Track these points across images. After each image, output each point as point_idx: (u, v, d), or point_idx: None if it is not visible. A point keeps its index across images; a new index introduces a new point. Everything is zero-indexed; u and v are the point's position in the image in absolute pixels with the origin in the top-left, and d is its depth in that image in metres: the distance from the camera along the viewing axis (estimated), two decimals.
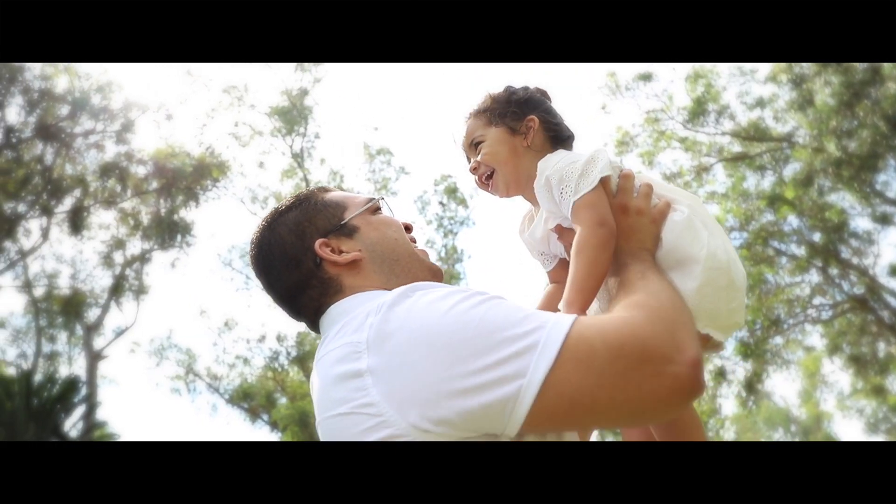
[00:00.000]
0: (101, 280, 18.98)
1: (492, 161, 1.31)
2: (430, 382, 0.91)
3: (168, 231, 18.26)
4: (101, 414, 15.61)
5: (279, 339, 18.92)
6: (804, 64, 13.94)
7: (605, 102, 16.65)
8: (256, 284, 1.46)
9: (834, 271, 16.03)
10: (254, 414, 19.68)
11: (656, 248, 1.16)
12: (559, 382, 0.89)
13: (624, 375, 0.89)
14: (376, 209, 1.26)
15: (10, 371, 16.48)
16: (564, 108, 1.40)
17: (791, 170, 16.04)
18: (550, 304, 1.33)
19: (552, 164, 1.25)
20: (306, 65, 18.41)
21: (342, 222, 1.20)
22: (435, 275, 1.22)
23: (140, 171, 18.18)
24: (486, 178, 1.33)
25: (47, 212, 17.36)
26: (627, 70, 16.38)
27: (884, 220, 15.52)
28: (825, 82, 14.69)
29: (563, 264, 1.34)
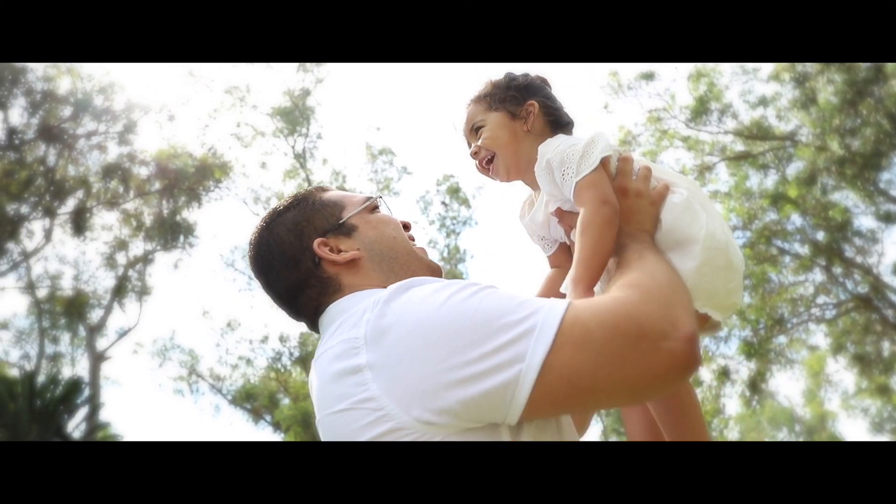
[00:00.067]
0: (104, 281, 19.02)
1: (492, 145, 1.33)
2: (429, 374, 0.92)
3: (171, 232, 18.27)
4: (104, 415, 15.58)
5: (282, 339, 18.94)
6: (806, 63, 13.92)
7: (607, 102, 16.64)
8: (259, 285, 1.47)
9: (838, 270, 15.98)
10: (257, 415, 19.69)
11: (655, 230, 1.18)
12: (558, 365, 0.90)
13: (621, 354, 0.90)
14: (374, 208, 1.26)
15: (14, 372, 16.51)
16: (566, 107, 1.41)
17: (794, 168, 16.01)
18: (552, 289, 1.34)
19: (553, 147, 1.26)
20: (308, 65, 18.41)
21: (340, 221, 1.21)
22: (434, 272, 1.22)
23: (142, 172, 18.22)
24: (487, 163, 1.35)
25: (50, 213, 17.38)
26: (629, 69, 16.37)
27: (887, 218, 15.47)
28: (828, 80, 14.65)
29: (564, 249, 1.37)
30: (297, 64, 18.18)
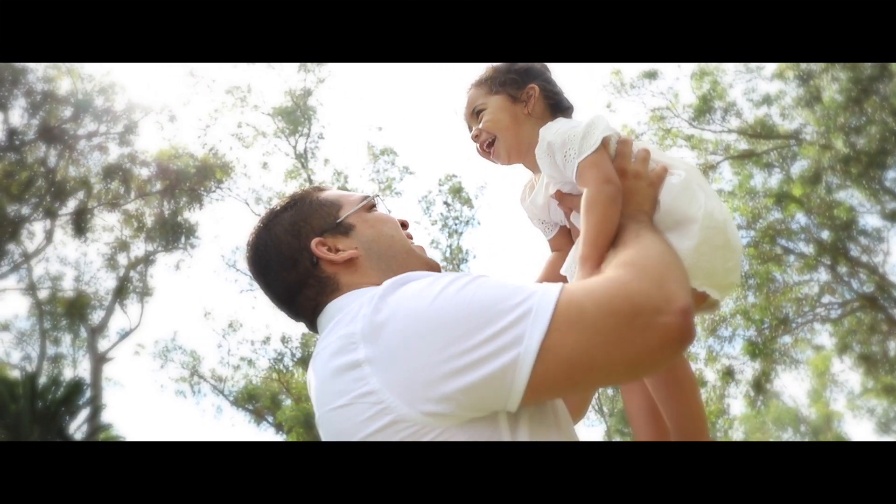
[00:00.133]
0: (106, 282, 19.02)
1: (493, 128, 1.34)
2: (428, 365, 0.93)
3: (172, 233, 18.27)
4: (105, 416, 15.57)
5: (284, 340, 18.91)
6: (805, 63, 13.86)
7: (610, 101, 16.59)
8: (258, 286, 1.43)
9: (843, 269, 15.91)
10: (259, 416, 19.66)
11: (654, 211, 1.19)
12: (555, 346, 0.91)
13: (616, 331, 0.91)
14: (372, 206, 1.26)
15: (15, 374, 16.51)
16: (566, 93, 1.42)
17: (799, 167, 15.95)
18: (553, 272, 1.36)
19: (554, 129, 1.28)
20: (309, 65, 18.38)
21: (338, 221, 1.21)
22: (432, 269, 1.22)
23: (143, 172, 18.20)
24: (488, 146, 1.36)
25: (51, 214, 17.38)
26: (632, 68, 16.31)
27: (893, 217, 15.40)
28: (832, 78, 14.57)
29: (564, 232, 1.39)
30: (298, 64, 18.15)
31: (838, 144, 14.39)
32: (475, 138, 1.37)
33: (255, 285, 1.29)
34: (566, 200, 1.30)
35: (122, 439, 14.67)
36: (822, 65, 14.25)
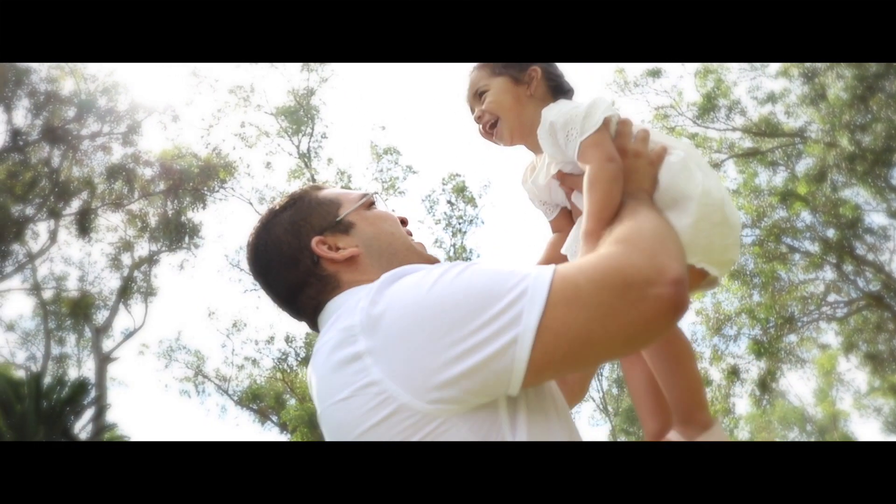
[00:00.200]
0: (110, 282, 19.07)
1: (496, 109, 1.36)
2: (429, 352, 0.94)
3: (176, 232, 18.29)
4: (110, 416, 15.61)
5: (288, 340, 18.94)
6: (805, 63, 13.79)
7: (613, 99, 16.50)
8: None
9: (849, 268, 15.82)
10: (263, 415, 19.68)
11: (654, 190, 1.21)
12: (553, 324, 0.93)
13: (611, 305, 0.93)
14: (371, 204, 1.26)
15: (20, 373, 16.54)
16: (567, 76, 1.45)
17: (804, 165, 15.87)
18: (554, 252, 1.38)
19: (556, 110, 1.29)
20: (312, 64, 18.38)
21: (338, 219, 1.21)
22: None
23: (147, 172, 18.22)
24: (491, 127, 1.37)
25: (55, 214, 17.43)
26: (636, 66, 16.26)
27: None
28: (838, 76, 14.48)
29: (565, 214, 1.41)
30: (301, 63, 18.15)
31: (844, 142, 14.31)
32: (478, 119, 1.38)
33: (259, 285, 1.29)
34: (568, 181, 1.32)
35: (126, 439, 14.71)
36: (827, 62, 14.17)
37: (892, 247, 15.73)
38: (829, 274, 16.12)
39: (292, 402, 18.77)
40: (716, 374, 16.07)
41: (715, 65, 15.83)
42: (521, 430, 0.97)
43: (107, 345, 18.49)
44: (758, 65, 15.74)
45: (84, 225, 17.45)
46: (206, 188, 18.36)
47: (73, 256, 19.21)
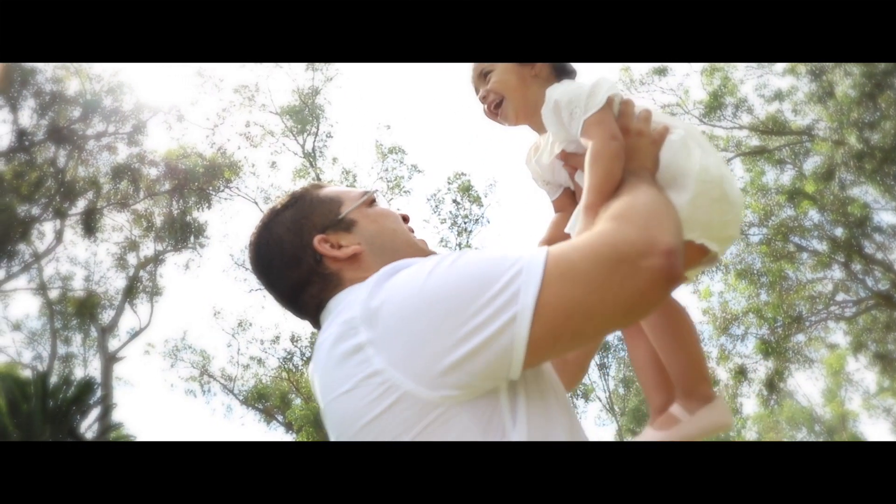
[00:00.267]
0: (115, 282, 19.13)
1: (501, 88, 1.37)
2: (430, 339, 0.95)
3: (181, 232, 18.32)
4: (116, 415, 15.62)
5: (293, 339, 18.93)
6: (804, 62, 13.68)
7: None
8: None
9: (857, 267, 15.70)
10: (268, 415, 19.69)
11: (656, 169, 1.22)
12: (550, 300, 0.94)
13: (605, 278, 0.95)
14: (372, 202, 1.26)
15: (27, 373, 16.59)
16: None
17: (811, 163, 15.76)
18: (557, 231, 1.40)
19: (560, 89, 1.31)
20: (317, 64, 18.36)
21: (339, 217, 1.21)
22: None
23: (152, 172, 18.25)
24: (495, 107, 1.39)
25: (61, 214, 17.47)
26: (642, 65, 16.18)
27: None
28: (845, 73, 14.37)
29: (568, 193, 1.43)
30: (305, 63, 18.14)
31: (852, 140, 14.20)
32: (483, 99, 1.40)
33: None
34: (571, 160, 1.33)
35: (132, 438, 14.73)
36: (827, 62, 14.06)
37: None
38: (837, 273, 16.01)
39: (298, 401, 18.76)
40: (723, 373, 15.99)
41: (721, 63, 15.73)
42: (521, 417, 0.98)
43: (112, 344, 18.54)
44: (764, 63, 15.64)
45: (90, 225, 17.49)
46: (211, 188, 18.38)
47: (78, 256, 19.26)
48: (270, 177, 22.60)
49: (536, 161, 1.42)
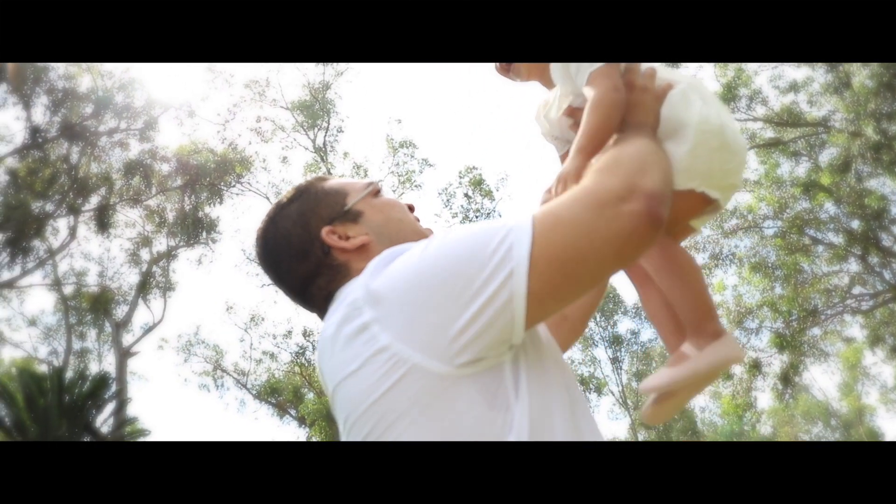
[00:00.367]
0: (129, 277, 19.27)
1: None
2: (434, 307, 0.96)
3: (193, 228, 18.40)
4: (131, 410, 15.78)
5: (305, 334, 18.99)
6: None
7: None
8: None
9: (874, 260, 15.49)
10: (281, 409, 19.80)
11: (657, 125, 1.23)
12: (543, 251, 0.97)
13: (593, 223, 0.98)
14: (377, 192, 1.27)
15: (43, 368, 16.78)
16: None
17: (827, 155, 15.56)
18: None
19: None
20: None
21: (346, 208, 1.22)
22: None
23: (164, 168, 18.34)
24: (507, 63, 1.38)
25: (74, 210, 17.60)
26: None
27: None
28: (862, 63, 14.13)
29: None
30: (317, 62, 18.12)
31: (868, 131, 13.98)
32: None
33: None
34: (577, 115, 1.33)
35: (147, 432, 14.84)
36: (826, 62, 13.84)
37: None
38: (853, 266, 15.81)
39: (310, 395, 18.84)
40: (737, 368, 15.85)
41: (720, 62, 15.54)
42: (522, 389, 0.99)
43: (126, 339, 18.70)
44: (764, 62, 15.43)
45: (103, 221, 17.61)
46: (222, 183, 18.44)
47: (92, 252, 19.41)
48: (281, 172, 22.62)
49: (545, 116, 1.43)
